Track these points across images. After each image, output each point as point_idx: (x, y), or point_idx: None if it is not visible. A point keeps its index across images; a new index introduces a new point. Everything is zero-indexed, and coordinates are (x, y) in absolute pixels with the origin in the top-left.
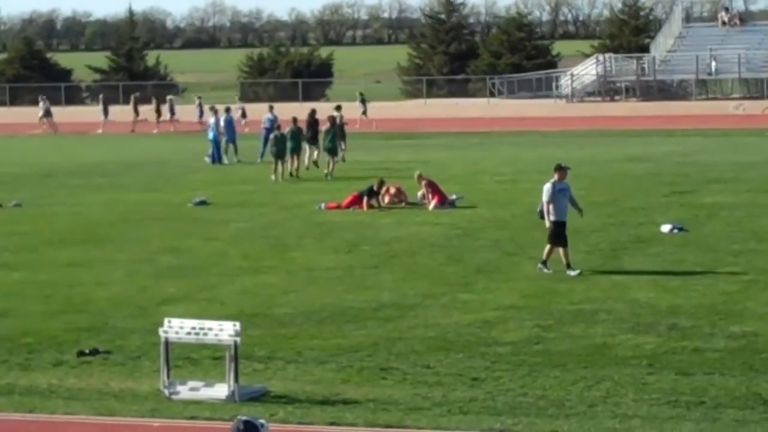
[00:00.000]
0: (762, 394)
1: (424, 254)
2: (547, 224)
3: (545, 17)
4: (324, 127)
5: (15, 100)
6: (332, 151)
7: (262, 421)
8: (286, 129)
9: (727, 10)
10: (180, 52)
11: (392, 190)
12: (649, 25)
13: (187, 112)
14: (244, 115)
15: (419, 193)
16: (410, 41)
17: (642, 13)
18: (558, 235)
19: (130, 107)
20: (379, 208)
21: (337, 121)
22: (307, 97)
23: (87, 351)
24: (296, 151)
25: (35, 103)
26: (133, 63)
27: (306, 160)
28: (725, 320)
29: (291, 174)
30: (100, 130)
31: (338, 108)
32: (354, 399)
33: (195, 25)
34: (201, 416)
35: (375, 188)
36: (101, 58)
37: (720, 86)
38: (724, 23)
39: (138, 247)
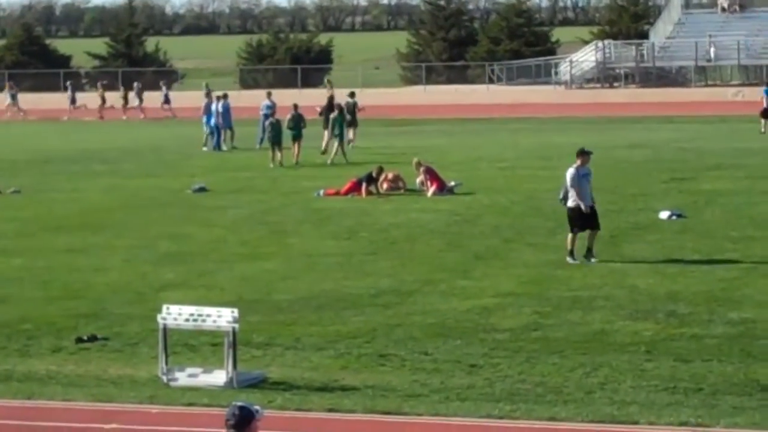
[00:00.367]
0: (760, 380)
1: (422, 241)
2: (569, 207)
3: (545, 3)
4: (333, 113)
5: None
6: (342, 137)
7: (257, 407)
8: (287, 115)
9: None
10: (179, 38)
11: (391, 177)
12: (648, 11)
13: (185, 98)
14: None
15: (418, 180)
16: (409, 27)
17: (641, 0)
18: (583, 219)
19: (97, 94)
20: (378, 195)
21: (351, 108)
22: (306, 84)
23: (85, 337)
24: (298, 138)
25: (35, 89)
26: (132, 49)
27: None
28: (723, 307)
29: (296, 162)
30: (65, 117)
31: (352, 95)
32: (352, 386)
33: (194, 12)
34: (199, 403)
35: (374, 175)
36: (100, 45)
37: (719, 73)
38: (723, 9)
39: (137, 233)
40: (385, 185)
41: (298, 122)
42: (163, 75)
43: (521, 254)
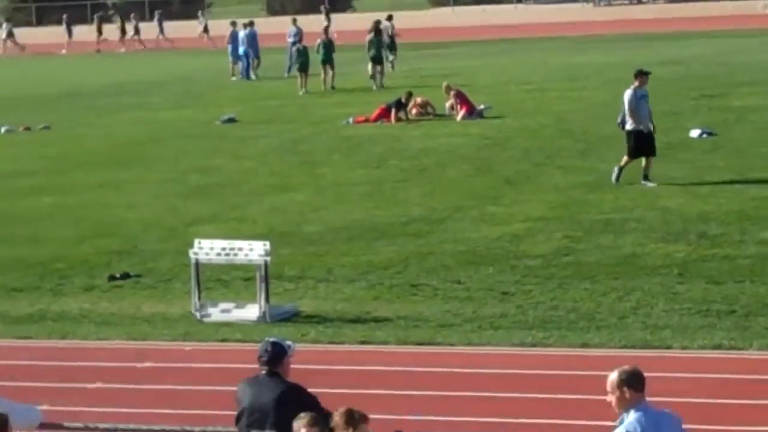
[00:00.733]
0: None
1: (452, 166)
2: (628, 130)
3: None
4: (368, 36)
5: (42, 20)
6: (377, 60)
7: (289, 342)
8: (317, 41)
9: None
10: None
11: (420, 102)
12: None
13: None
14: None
15: (447, 104)
16: None
17: None
18: (643, 143)
19: (94, 27)
20: (408, 121)
21: (389, 31)
22: (333, 9)
23: (118, 275)
24: (329, 62)
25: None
26: None
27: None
28: (756, 226)
29: (332, 87)
30: (64, 51)
31: (389, 18)
32: (385, 317)
33: None
34: (232, 338)
35: (403, 100)
36: None
37: None
38: None
39: (167, 166)
40: (414, 111)
41: (328, 48)
42: (189, 4)
43: (551, 178)
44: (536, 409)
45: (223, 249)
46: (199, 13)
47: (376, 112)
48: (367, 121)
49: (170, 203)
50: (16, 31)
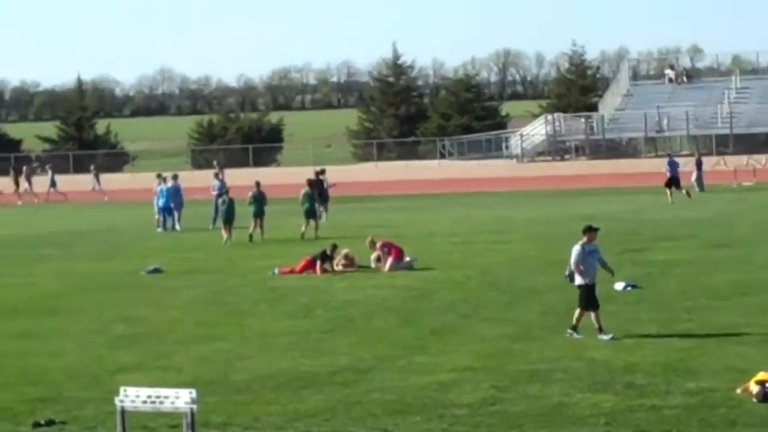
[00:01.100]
0: None
1: (379, 317)
2: (578, 285)
3: (493, 78)
4: (302, 189)
5: None
6: (310, 214)
7: None
8: (249, 194)
9: (672, 67)
10: (130, 120)
11: (345, 253)
12: (596, 84)
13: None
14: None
15: (372, 257)
16: (360, 105)
17: (589, 72)
18: (589, 298)
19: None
20: (333, 273)
21: (324, 184)
22: (258, 163)
23: (42, 422)
24: (260, 215)
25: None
26: (83, 132)
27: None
28: (681, 377)
29: (252, 238)
30: None
31: (322, 172)
32: None
33: (144, 93)
34: None
35: (328, 252)
36: (51, 128)
37: (669, 143)
38: (671, 80)
39: (91, 316)
40: (340, 266)
41: (260, 199)
42: (115, 157)
43: (477, 329)
44: None
45: (149, 397)
46: (92, 167)
47: (302, 263)
48: (292, 272)
49: (95, 352)
50: None
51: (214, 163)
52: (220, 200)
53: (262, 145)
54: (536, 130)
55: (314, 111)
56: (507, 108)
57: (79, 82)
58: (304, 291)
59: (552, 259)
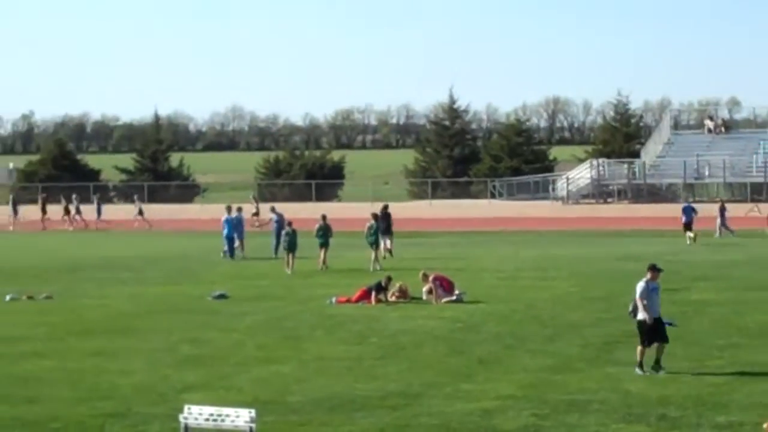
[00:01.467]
0: None
1: (428, 346)
2: (639, 320)
3: (543, 124)
4: (368, 222)
5: (47, 198)
6: (375, 245)
7: None
8: (316, 226)
9: (712, 118)
10: (201, 154)
11: (399, 286)
12: (639, 131)
13: (206, 211)
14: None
15: (424, 289)
16: (417, 145)
17: (633, 121)
18: (652, 331)
19: (38, 206)
20: (387, 303)
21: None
22: (320, 198)
23: None
24: (325, 246)
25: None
26: (158, 164)
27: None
28: (712, 411)
29: (325, 267)
30: (11, 228)
31: (386, 207)
32: None
33: (216, 129)
34: None
35: (383, 284)
36: (128, 160)
37: (706, 189)
38: (710, 131)
39: (160, 337)
40: (393, 297)
41: (326, 232)
42: (186, 189)
43: (521, 360)
44: None
45: (211, 415)
46: (135, 197)
47: (358, 293)
48: (348, 301)
49: (162, 371)
50: (21, 207)
51: (252, 196)
52: (283, 231)
53: (325, 181)
54: (581, 174)
55: (374, 150)
56: (554, 152)
57: (156, 117)
58: (358, 319)
59: (592, 296)
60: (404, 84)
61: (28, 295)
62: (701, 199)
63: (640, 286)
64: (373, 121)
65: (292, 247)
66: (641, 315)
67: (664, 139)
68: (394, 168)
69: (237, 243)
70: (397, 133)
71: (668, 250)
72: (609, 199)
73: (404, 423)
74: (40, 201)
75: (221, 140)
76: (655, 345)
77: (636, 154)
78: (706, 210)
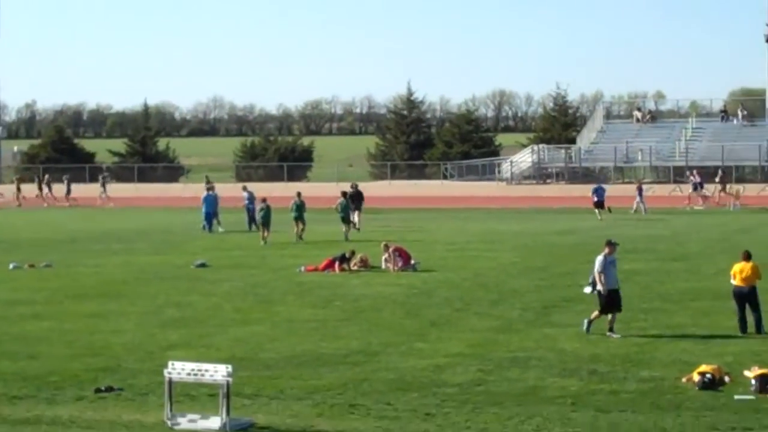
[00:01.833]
0: (666, 428)
1: (386, 309)
2: (598, 290)
3: (490, 113)
4: (339, 200)
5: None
6: (345, 220)
7: None
8: (291, 202)
9: (640, 109)
10: (185, 139)
11: (360, 258)
12: (575, 120)
13: (189, 189)
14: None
15: (383, 258)
16: (377, 132)
17: (570, 111)
18: (611, 301)
19: (13, 187)
20: (350, 272)
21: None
22: (291, 178)
23: (103, 388)
24: (300, 219)
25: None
26: (147, 148)
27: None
28: (636, 367)
29: (301, 238)
30: (19, 204)
31: (356, 186)
32: (326, 430)
33: (198, 117)
34: None
35: (347, 256)
36: (120, 144)
37: (634, 172)
38: (638, 120)
39: (147, 301)
40: (356, 266)
41: (300, 208)
42: (172, 170)
43: (468, 321)
44: None
45: (192, 370)
46: (100, 177)
47: (324, 263)
48: (316, 270)
49: (149, 331)
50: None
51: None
52: (258, 207)
53: (295, 163)
54: (524, 158)
55: (340, 136)
56: (500, 139)
57: (145, 106)
58: (325, 286)
59: (532, 266)
60: (367, 77)
61: (30, 264)
62: (630, 180)
63: (599, 260)
64: (339, 111)
65: (266, 222)
66: (599, 286)
67: (597, 128)
68: (357, 152)
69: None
70: (360, 122)
71: (600, 225)
72: (548, 181)
73: (364, 377)
74: (36, 181)
75: (203, 127)
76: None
77: (572, 141)
78: (633, 190)
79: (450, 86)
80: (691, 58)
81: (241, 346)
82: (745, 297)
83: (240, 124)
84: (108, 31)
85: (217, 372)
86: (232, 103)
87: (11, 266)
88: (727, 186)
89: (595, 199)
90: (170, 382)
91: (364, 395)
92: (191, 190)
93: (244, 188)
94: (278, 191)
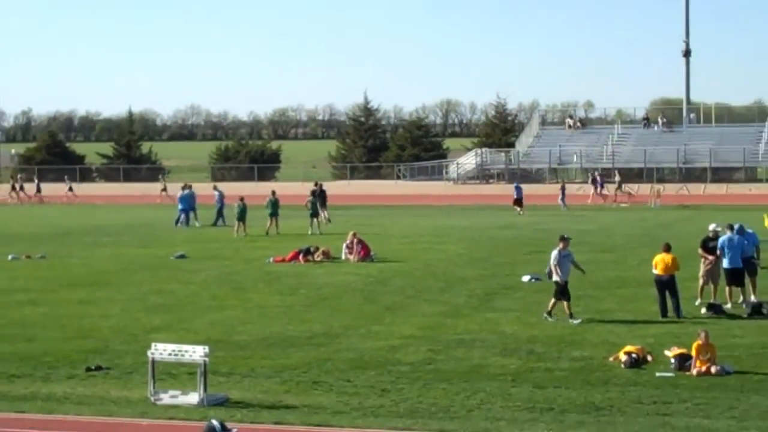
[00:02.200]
0: (595, 402)
1: (346, 296)
2: (555, 280)
3: (438, 120)
4: (309, 198)
5: (41, 178)
6: (313, 215)
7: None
8: (266, 199)
9: (571, 117)
10: (166, 143)
11: (322, 251)
12: (514, 127)
13: (171, 188)
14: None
15: (345, 244)
16: (338, 137)
17: (509, 118)
18: (563, 291)
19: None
20: (314, 262)
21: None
22: (261, 179)
23: (93, 367)
24: (275, 216)
25: (57, 181)
26: (132, 151)
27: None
28: (569, 347)
29: (268, 233)
30: (17, 202)
31: (321, 185)
32: (293, 405)
33: (178, 123)
34: (178, 417)
35: (311, 249)
36: (107, 147)
37: (566, 173)
38: (569, 126)
39: (132, 289)
40: (319, 257)
41: (275, 204)
42: (154, 170)
43: (419, 307)
44: None
45: (173, 351)
46: (66, 177)
47: (291, 254)
48: (283, 260)
49: (134, 316)
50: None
51: (162, 175)
52: (235, 203)
53: (265, 165)
54: (468, 160)
55: (304, 141)
56: (447, 143)
57: (130, 113)
58: (291, 275)
59: (476, 257)
60: (328, 88)
61: (27, 255)
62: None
63: (554, 254)
64: (304, 117)
65: (242, 217)
66: (555, 277)
67: (533, 133)
68: (320, 155)
69: (191, 214)
70: (322, 127)
71: (536, 220)
72: (490, 180)
73: (327, 357)
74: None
75: (182, 132)
76: (565, 303)
77: (512, 145)
78: (567, 189)
79: (402, 95)
80: (617, 71)
81: (217, 329)
82: (665, 285)
83: (215, 129)
84: (97, 46)
85: (195, 353)
86: (208, 110)
87: (10, 257)
88: (623, 186)
89: (515, 196)
90: (153, 361)
91: (326, 373)
92: (172, 189)
93: (215, 188)
94: (249, 190)
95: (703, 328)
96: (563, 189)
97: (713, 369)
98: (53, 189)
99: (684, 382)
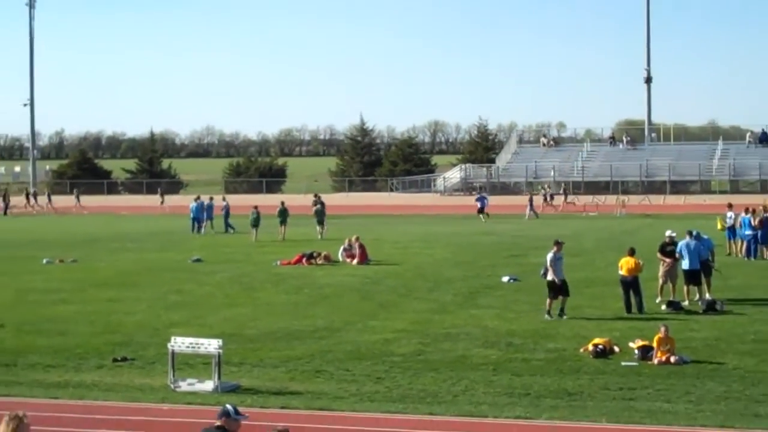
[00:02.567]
0: (567, 388)
1: (345, 295)
2: (550, 279)
3: (427, 139)
4: (314, 207)
5: (72, 191)
6: (321, 222)
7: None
8: (277, 209)
9: (545, 136)
10: (184, 160)
11: (324, 255)
12: (495, 145)
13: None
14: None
15: (344, 246)
16: (337, 154)
17: (490, 137)
18: (558, 289)
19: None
20: (316, 265)
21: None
22: (269, 191)
23: (119, 358)
24: (284, 223)
25: (87, 193)
26: (153, 167)
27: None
28: (544, 340)
29: (283, 239)
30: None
31: (320, 197)
32: (298, 391)
33: (195, 142)
34: (195, 402)
35: (314, 254)
36: (132, 164)
37: (541, 186)
38: (544, 144)
39: (154, 289)
40: (320, 261)
41: (284, 213)
42: (173, 184)
43: (410, 304)
44: None
45: (191, 344)
46: (75, 190)
47: (295, 258)
48: (289, 263)
49: (156, 312)
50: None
51: (160, 189)
52: (250, 211)
53: (272, 179)
54: (454, 175)
55: (308, 157)
56: (435, 159)
57: (152, 133)
58: (296, 276)
59: (461, 260)
60: (329, 110)
61: (60, 259)
62: (537, 192)
63: (549, 256)
64: (307, 137)
65: (256, 224)
66: (550, 276)
67: (512, 150)
68: (321, 170)
69: (206, 222)
70: (323, 145)
71: (514, 228)
72: (473, 192)
73: (328, 349)
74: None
75: (199, 150)
76: (560, 298)
77: (492, 161)
78: (540, 200)
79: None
80: (587, 95)
81: (230, 324)
82: (630, 285)
83: (228, 147)
84: (123, 74)
85: (210, 345)
86: (221, 130)
87: (44, 261)
88: (568, 197)
89: (479, 206)
90: (173, 353)
91: (328, 363)
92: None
93: (223, 199)
94: (257, 201)
95: (664, 323)
96: (531, 200)
97: (672, 359)
98: (85, 200)
99: (646, 370)
